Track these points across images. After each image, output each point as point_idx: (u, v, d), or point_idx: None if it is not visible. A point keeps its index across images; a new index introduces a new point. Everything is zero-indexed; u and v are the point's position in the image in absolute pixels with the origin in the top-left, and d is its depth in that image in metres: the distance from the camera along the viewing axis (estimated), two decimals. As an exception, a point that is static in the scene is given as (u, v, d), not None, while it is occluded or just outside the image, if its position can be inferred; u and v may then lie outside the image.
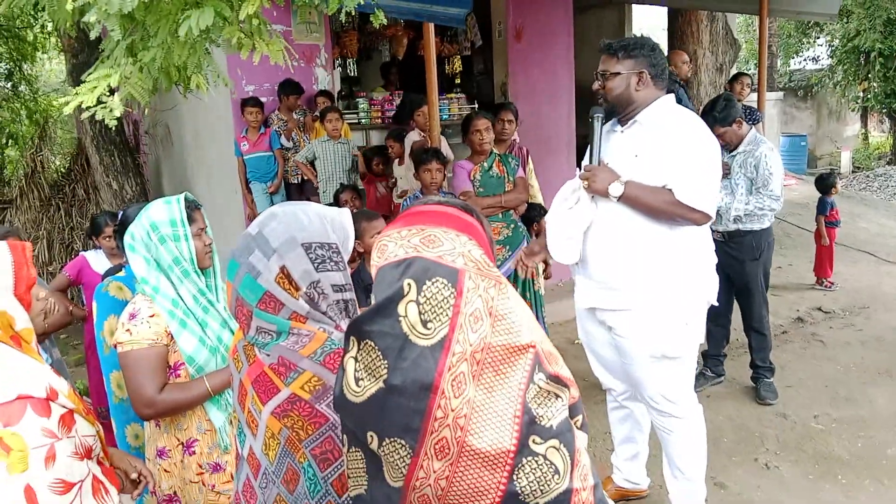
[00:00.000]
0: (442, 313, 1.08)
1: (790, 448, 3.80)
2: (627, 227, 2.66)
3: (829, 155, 18.01)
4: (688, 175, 2.57)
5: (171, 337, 2.11)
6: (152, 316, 2.10)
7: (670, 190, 2.59)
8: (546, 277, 4.21)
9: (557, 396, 1.13)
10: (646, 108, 2.69)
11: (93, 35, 2.04)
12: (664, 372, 2.75)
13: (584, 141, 7.88)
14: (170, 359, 2.13)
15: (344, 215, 1.61)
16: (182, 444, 2.18)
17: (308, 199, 6.26)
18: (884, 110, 16.44)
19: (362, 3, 2.17)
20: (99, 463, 1.75)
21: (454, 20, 3.73)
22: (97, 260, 4.04)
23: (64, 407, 1.63)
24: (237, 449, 1.62)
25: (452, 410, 1.07)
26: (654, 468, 3.34)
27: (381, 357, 1.09)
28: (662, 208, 2.60)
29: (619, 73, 2.67)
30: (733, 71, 9.20)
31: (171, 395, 2.09)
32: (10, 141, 9.64)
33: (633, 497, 3.26)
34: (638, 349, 2.74)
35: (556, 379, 1.14)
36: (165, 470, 2.19)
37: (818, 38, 17.90)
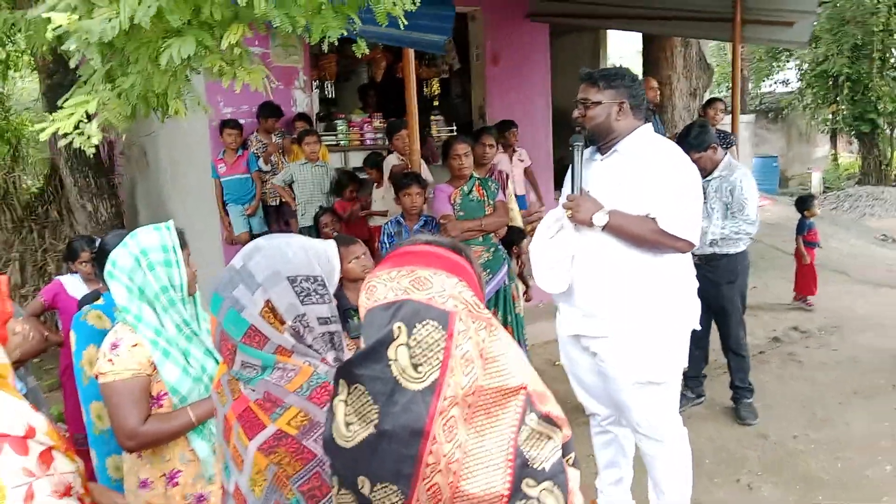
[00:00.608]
0: (433, 356, 1.07)
1: (771, 469, 3.82)
2: (610, 255, 2.67)
3: (799, 176, 18.36)
4: (670, 204, 2.60)
5: (154, 367, 2.08)
6: (135, 345, 2.07)
7: (654, 219, 2.61)
8: (527, 300, 4.22)
9: (550, 438, 1.12)
10: (626, 138, 2.72)
11: (72, 63, 2.02)
12: (650, 397, 2.76)
13: (560, 164, 7.98)
14: (152, 389, 2.10)
15: (329, 247, 1.60)
16: (165, 475, 2.15)
17: (286, 222, 6.24)
18: (852, 133, 16.80)
19: (345, 33, 2.17)
20: (80, 500, 1.71)
21: (434, 46, 3.75)
22: (73, 284, 3.97)
23: (42, 444, 1.60)
24: (223, 484, 1.59)
25: (444, 455, 1.05)
26: (638, 490, 3.33)
27: (371, 402, 1.07)
28: (647, 237, 2.62)
29: (600, 103, 2.69)
30: (707, 95, 9.36)
31: (155, 426, 2.06)
32: (-19, 160, 9.48)
33: (617, 522, 3.25)
34: (623, 375, 2.74)
35: (547, 419, 1.13)
36: (148, 502, 2.15)
37: (788, 61, 18.30)
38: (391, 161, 5.60)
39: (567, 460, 1.18)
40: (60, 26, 1.84)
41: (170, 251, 2.10)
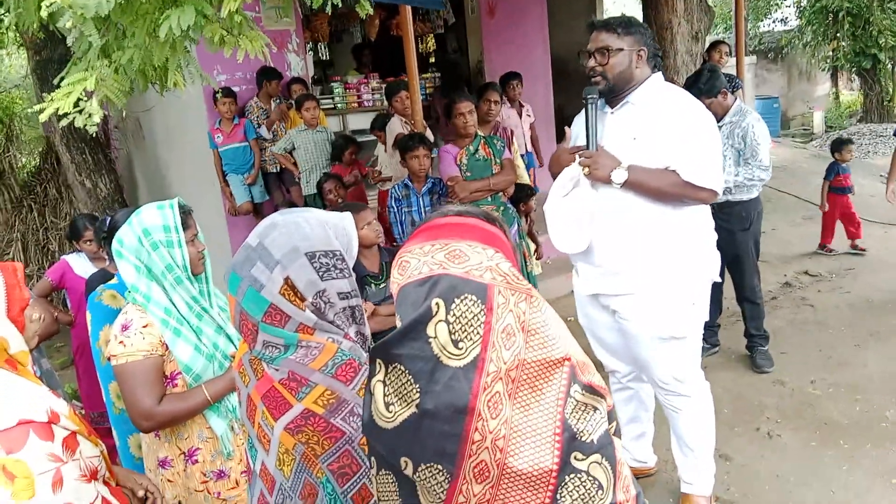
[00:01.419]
0: (473, 332, 1.03)
1: (790, 416, 3.83)
2: (629, 211, 2.61)
3: (801, 116, 18.17)
4: (691, 154, 2.53)
5: (166, 347, 2.05)
6: (146, 326, 2.04)
7: (674, 171, 2.54)
8: (537, 258, 4.17)
9: (595, 409, 1.08)
10: (638, 89, 2.64)
11: (69, 41, 1.94)
12: (672, 352, 2.73)
13: (561, 113, 7.87)
14: (166, 368, 2.08)
15: (346, 220, 1.56)
16: (184, 453, 2.15)
17: (288, 190, 6.17)
18: (853, 69, 16.55)
19: (348, -8, 2.09)
20: (105, 483, 1.72)
21: (433, 2, 3.64)
22: (79, 263, 3.94)
23: (66, 429, 1.60)
24: (248, 464, 1.57)
25: (490, 432, 1.02)
26: (659, 445, 3.34)
27: (411, 381, 1.03)
28: (669, 190, 2.56)
29: (622, 49, 2.59)
30: (709, 38, 9.16)
31: (170, 405, 2.05)
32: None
33: (641, 475, 3.26)
34: (645, 331, 2.71)
35: (591, 389, 1.09)
36: (169, 480, 2.17)
37: (786, -1, 17.96)
38: (394, 126, 5.49)
39: (610, 429, 1.15)
40: (54, 3, 1.76)
41: (171, 231, 2.06)
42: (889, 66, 15.98)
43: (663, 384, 2.81)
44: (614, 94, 2.67)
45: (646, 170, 2.56)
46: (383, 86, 7.03)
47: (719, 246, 4.17)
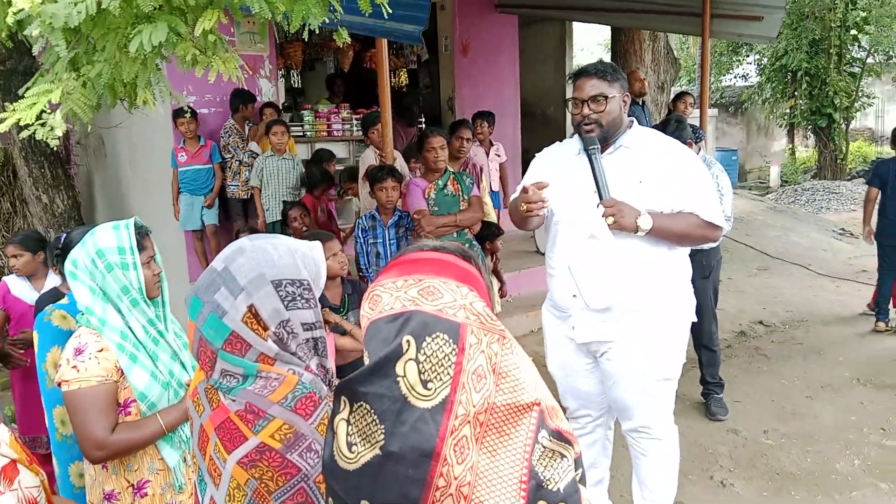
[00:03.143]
0: (443, 372, 1.00)
1: (743, 465, 3.85)
2: (635, 257, 2.58)
3: (758, 169, 18.74)
4: (705, 195, 2.58)
5: (122, 372, 1.97)
6: (101, 350, 1.96)
7: (691, 213, 2.57)
8: (501, 296, 4.16)
9: (563, 456, 1.06)
10: (628, 132, 2.66)
11: (35, 50, 1.89)
12: (659, 395, 2.74)
13: (527, 155, 7.95)
14: (119, 396, 1.99)
15: (316, 250, 1.52)
16: (132, 485, 2.05)
17: (253, 217, 6.09)
18: (809, 127, 17.17)
19: (327, 20, 2.07)
20: None
21: (409, 37, 3.66)
22: (16, 284, 3.77)
23: (6, 457, 1.52)
24: (197, 498, 1.51)
25: (455, 478, 0.98)
26: (613, 491, 3.33)
27: (377, 421, 0.99)
28: (693, 232, 2.58)
29: (614, 97, 2.59)
30: (674, 89, 9.42)
31: (124, 435, 1.96)
32: (-72, 149, 9.08)
33: (595, 522, 3.23)
34: (638, 374, 2.69)
35: (559, 435, 1.07)
36: (115, 515, 2.05)
37: (748, 55, 18.60)
38: (368, 157, 5.47)
39: (576, 477, 1.13)
40: (22, 10, 1.71)
41: (126, 253, 1.99)
42: (843, 125, 16.62)
43: (642, 427, 2.80)
44: (605, 141, 2.65)
45: (666, 215, 2.55)
46: (353, 117, 7.04)
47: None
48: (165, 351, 2.08)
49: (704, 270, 4.31)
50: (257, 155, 5.99)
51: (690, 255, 4.14)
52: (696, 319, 2.85)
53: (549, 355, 2.96)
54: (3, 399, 4.70)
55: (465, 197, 4.22)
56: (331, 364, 1.52)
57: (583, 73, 2.65)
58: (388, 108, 4.26)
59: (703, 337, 4.47)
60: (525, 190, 2.61)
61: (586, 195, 2.60)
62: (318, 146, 6.87)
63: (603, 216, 2.51)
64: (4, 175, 7.17)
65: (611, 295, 2.58)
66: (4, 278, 3.86)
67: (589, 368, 2.84)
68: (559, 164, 2.78)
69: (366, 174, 4.63)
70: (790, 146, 19.62)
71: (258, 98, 6.31)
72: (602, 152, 2.64)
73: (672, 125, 4.17)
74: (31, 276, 3.74)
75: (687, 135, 4.17)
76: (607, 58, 9.88)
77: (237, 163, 6.07)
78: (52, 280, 3.74)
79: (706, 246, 4.23)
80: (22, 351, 3.52)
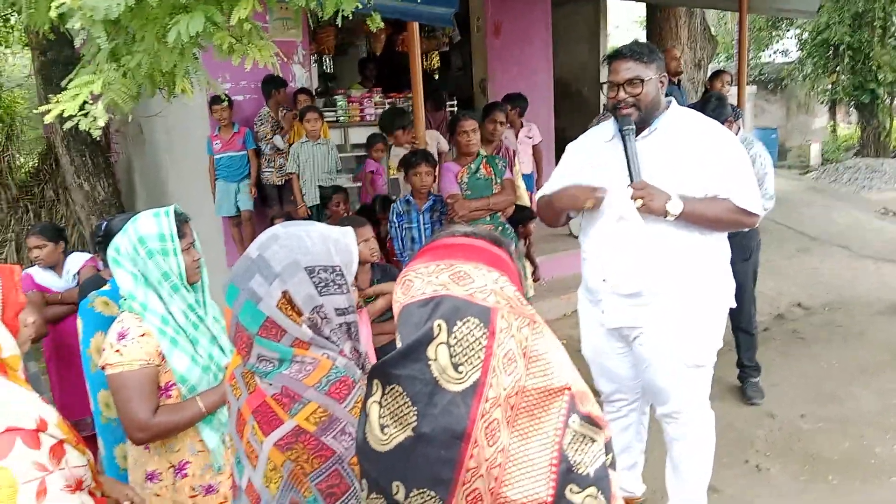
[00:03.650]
0: (474, 356, 1.02)
1: (779, 449, 3.81)
2: (665, 241, 2.55)
3: (798, 147, 18.30)
4: (742, 181, 2.53)
5: (163, 356, 2.02)
6: (143, 335, 2.01)
7: (725, 199, 2.53)
8: (535, 280, 4.17)
9: (593, 440, 1.07)
10: (665, 114, 2.61)
11: (77, 42, 1.94)
12: (693, 380, 2.72)
13: (562, 135, 7.90)
14: (160, 379, 2.05)
15: (348, 236, 1.54)
16: (174, 466, 2.10)
17: (289, 202, 6.16)
18: (852, 103, 16.70)
19: (360, 6, 2.09)
20: (90, 493, 1.69)
21: (440, 19, 3.66)
22: (42, 275, 3.87)
23: (54, 437, 1.58)
24: (234, 480, 1.55)
25: (486, 460, 1.01)
26: (647, 475, 3.32)
27: (409, 403, 1.02)
28: (725, 218, 2.54)
29: (651, 79, 2.53)
30: (711, 66, 9.25)
31: (165, 417, 2.01)
32: (-27, 140, 9.35)
33: (628, 504, 3.24)
34: (670, 360, 2.67)
35: (590, 420, 1.08)
36: (156, 494, 2.11)
37: (788, 31, 18.11)
38: (398, 154, 5.49)
39: (606, 462, 1.14)
40: (64, 3, 1.76)
41: (167, 240, 2.03)
42: (887, 101, 16.14)
43: (676, 413, 2.78)
44: (641, 123, 2.60)
45: (698, 200, 2.51)
46: (386, 101, 7.05)
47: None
48: (205, 335, 2.13)
49: (745, 252, 4.25)
50: (279, 150, 6.06)
51: (731, 238, 4.12)
52: (734, 305, 2.80)
53: (583, 339, 2.96)
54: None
55: (498, 180, 4.21)
56: (364, 347, 1.54)
57: (618, 55, 2.59)
58: (419, 92, 4.27)
59: (741, 320, 4.41)
60: (591, 189, 2.58)
61: (618, 178, 2.57)
62: (351, 131, 6.91)
63: (632, 198, 2.48)
64: (47, 164, 7.37)
65: (639, 280, 2.56)
66: (27, 270, 3.94)
67: (622, 352, 2.83)
68: (591, 150, 2.75)
69: (400, 161, 4.64)
70: (831, 123, 19.12)
71: (291, 84, 6.35)
72: (637, 135, 2.59)
73: (713, 103, 4.09)
74: (53, 266, 3.83)
75: (727, 113, 4.10)
76: (643, 36, 9.72)
77: (270, 149, 6.15)
78: (69, 267, 3.84)
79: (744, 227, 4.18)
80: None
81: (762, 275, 6.96)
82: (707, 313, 2.67)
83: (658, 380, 2.75)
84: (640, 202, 2.47)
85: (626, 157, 2.55)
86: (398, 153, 5.40)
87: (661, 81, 2.59)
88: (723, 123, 4.03)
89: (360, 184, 6.25)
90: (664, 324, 2.63)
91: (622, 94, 2.55)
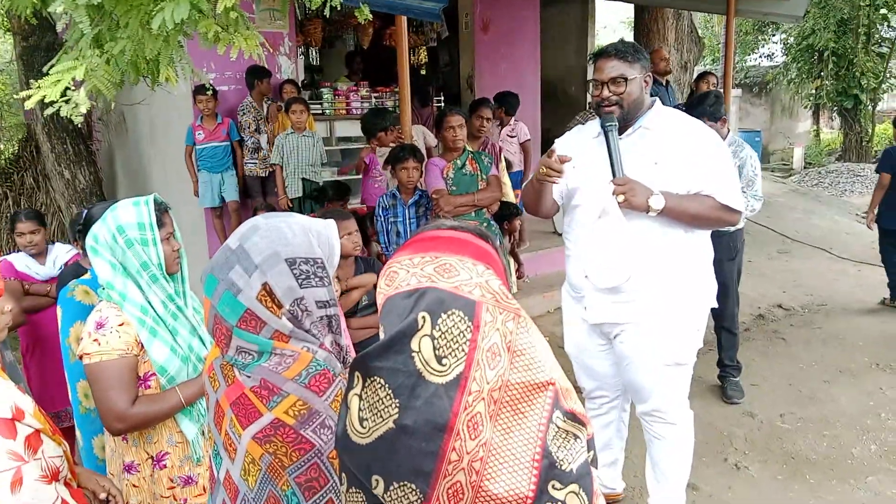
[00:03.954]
0: (458, 348, 1.01)
1: (758, 448, 3.84)
2: (647, 238, 2.57)
3: (781, 151, 18.47)
4: (725, 178, 2.55)
5: (142, 346, 2.00)
6: (121, 325, 1.99)
7: (708, 195, 2.54)
8: (518, 277, 4.17)
9: (576, 437, 1.07)
10: (648, 113, 2.62)
11: (59, 27, 1.91)
12: (672, 379, 2.73)
13: (547, 135, 7.91)
14: (139, 369, 2.02)
15: (330, 228, 1.53)
16: (152, 457, 2.09)
17: (272, 194, 6.12)
18: (835, 108, 16.87)
19: (347, -2, 2.07)
20: (66, 484, 1.67)
21: (429, 14, 3.64)
22: (22, 262, 3.81)
23: (30, 427, 1.56)
24: (213, 472, 1.53)
25: (468, 453, 1.00)
26: (627, 472, 3.34)
27: (391, 395, 1.01)
28: (708, 215, 2.55)
29: (635, 78, 2.55)
30: (697, 68, 9.30)
31: (144, 407, 1.99)
32: (-47, 124, 9.22)
33: (609, 501, 3.24)
34: (651, 358, 2.68)
35: (573, 416, 1.07)
36: (134, 485, 2.10)
37: (773, 35, 18.27)
38: (383, 153, 5.47)
39: (588, 459, 1.14)
40: (46, -14, 1.72)
41: (146, 229, 2.00)
42: (869, 107, 16.32)
43: (655, 411, 2.79)
44: (625, 122, 2.63)
45: (680, 196, 2.52)
46: (372, 95, 7.03)
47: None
48: (184, 326, 2.11)
49: (731, 252, 4.28)
50: (259, 148, 6.03)
51: (717, 237, 4.14)
52: (716, 305, 2.82)
53: (566, 335, 2.97)
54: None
55: (484, 176, 4.21)
56: (345, 341, 1.53)
57: (603, 53, 2.61)
58: (407, 86, 4.25)
59: (724, 319, 4.45)
60: (548, 156, 2.59)
61: (601, 174, 2.58)
62: (336, 124, 6.87)
63: (613, 194, 2.50)
64: (27, 151, 7.28)
65: (618, 275, 2.57)
66: (6, 258, 3.85)
67: (603, 350, 2.85)
68: (577, 147, 2.75)
69: (387, 158, 4.62)
70: (815, 128, 19.31)
71: (277, 75, 6.31)
72: (622, 133, 2.62)
73: (711, 99, 4.10)
74: (38, 254, 3.78)
75: (724, 111, 4.13)
76: (630, 36, 9.74)
77: (252, 142, 6.11)
78: (55, 256, 3.78)
79: (732, 227, 4.19)
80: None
81: (744, 276, 7.01)
82: (688, 312, 2.69)
83: (638, 378, 2.76)
84: (621, 197, 2.48)
85: (609, 154, 2.56)
86: (384, 152, 5.38)
87: (646, 81, 2.60)
88: (717, 121, 4.07)
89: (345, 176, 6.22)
90: (645, 321, 2.64)
91: (606, 93, 2.57)
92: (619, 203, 2.49)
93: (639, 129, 2.62)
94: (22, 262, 3.77)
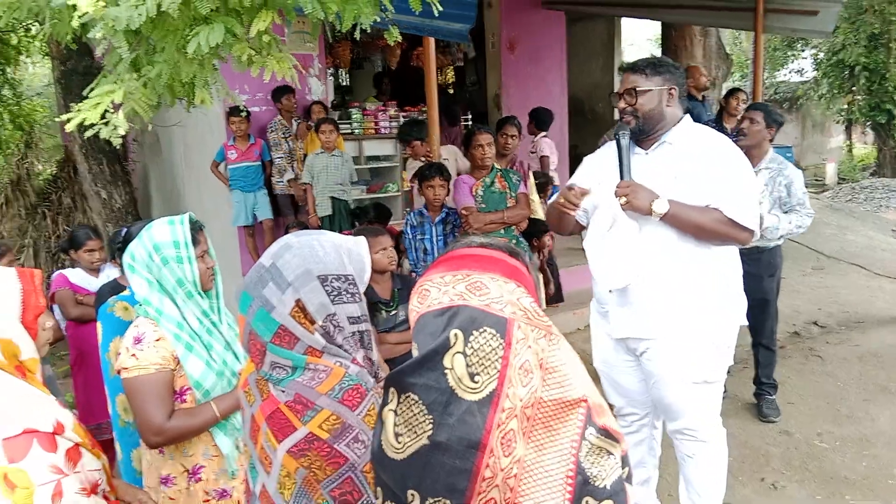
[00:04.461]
0: (490, 366, 1.02)
1: (795, 467, 3.77)
2: (666, 251, 2.57)
3: (814, 166, 18.20)
4: (736, 193, 2.52)
5: (178, 361, 2.04)
6: (158, 340, 2.03)
7: (716, 208, 2.53)
8: (548, 294, 4.16)
9: (610, 453, 1.07)
10: (674, 128, 2.64)
11: (98, 52, 1.97)
12: (700, 397, 2.70)
13: (575, 152, 7.91)
14: (175, 383, 2.06)
15: (361, 245, 1.55)
16: (188, 470, 2.11)
17: (303, 212, 6.20)
18: (868, 123, 16.62)
19: (378, 20, 2.11)
20: (105, 497, 1.70)
21: (457, 35, 3.68)
22: (77, 276, 3.92)
23: (70, 441, 1.59)
24: (248, 485, 1.55)
25: (501, 470, 1.00)
26: (661, 491, 3.29)
27: (424, 412, 1.02)
28: (711, 227, 2.53)
29: (650, 90, 2.60)
30: (725, 85, 9.24)
31: (180, 421, 2.02)
32: (-6, 145, 9.48)
33: (641, 521, 3.20)
34: (675, 376, 2.66)
35: (606, 433, 1.07)
36: (170, 498, 2.12)
37: (803, 50, 18.09)
38: (413, 167, 5.53)
39: (622, 475, 1.13)
40: (86, 14, 1.78)
41: (181, 247, 2.05)
42: (904, 121, 16.05)
43: (686, 429, 2.76)
44: (647, 135, 2.66)
45: (687, 205, 2.52)
46: (401, 114, 7.10)
47: (745, 292, 4.18)
48: (219, 341, 2.14)
49: (771, 268, 4.22)
50: (291, 155, 6.10)
51: (757, 253, 4.11)
52: (746, 322, 2.78)
53: (594, 351, 2.97)
54: (63, 387, 4.87)
55: (513, 193, 4.22)
56: (377, 356, 1.55)
57: (624, 67, 2.73)
58: (435, 107, 4.29)
59: (763, 336, 4.37)
60: (568, 188, 2.64)
61: (612, 179, 2.64)
62: (365, 144, 6.95)
63: (616, 196, 2.54)
64: (65, 171, 7.46)
65: (623, 276, 2.57)
66: (62, 272, 4.00)
67: (631, 366, 2.82)
68: (602, 160, 2.79)
69: (415, 174, 4.67)
70: (847, 143, 19.03)
71: (308, 97, 6.41)
72: (648, 148, 2.67)
73: (771, 106, 4.12)
74: (93, 268, 3.90)
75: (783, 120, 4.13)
76: (657, 54, 9.72)
77: (280, 159, 6.21)
78: (106, 272, 3.89)
79: (771, 243, 4.15)
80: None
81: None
82: (714, 328, 2.65)
83: (666, 396, 2.73)
84: (623, 199, 2.53)
85: (619, 159, 2.63)
86: (414, 165, 5.43)
87: (671, 94, 2.62)
88: (780, 127, 4.10)
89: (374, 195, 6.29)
90: (670, 337, 2.62)
91: (622, 104, 2.66)
92: (621, 205, 2.53)
93: (663, 144, 2.64)
94: (77, 276, 3.91)
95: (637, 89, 2.60)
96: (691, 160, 2.56)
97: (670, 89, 2.62)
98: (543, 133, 6.47)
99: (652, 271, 2.59)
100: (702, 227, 2.53)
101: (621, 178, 2.61)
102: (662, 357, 2.66)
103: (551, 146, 6.52)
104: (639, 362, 2.78)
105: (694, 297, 2.59)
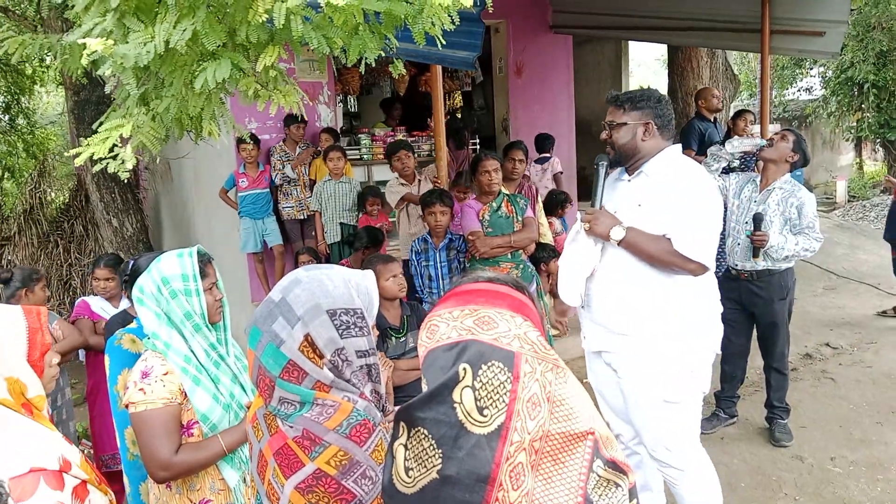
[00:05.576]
0: (498, 399, 1.02)
1: (809, 493, 3.72)
2: (632, 273, 2.68)
3: (824, 184, 18.12)
4: (687, 226, 2.59)
5: (185, 395, 2.04)
6: (166, 374, 2.03)
7: (668, 239, 2.61)
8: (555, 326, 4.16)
9: (617, 485, 1.07)
10: (652, 159, 2.73)
11: (108, 88, 2.00)
12: (664, 419, 2.72)
13: (583, 173, 7.92)
14: (182, 417, 2.06)
15: (368, 279, 1.56)
16: (194, 504, 2.10)
17: (310, 237, 6.23)
18: (878, 140, 16.56)
19: (382, 53, 2.13)
20: None
21: (463, 63, 3.72)
22: (98, 304, 3.96)
23: (77, 478, 1.58)
24: (257, 520, 1.55)
25: (511, 503, 1.00)
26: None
27: (434, 446, 1.03)
28: (660, 256, 2.63)
29: (625, 124, 2.73)
30: (733, 105, 9.26)
31: (187, 455, 2.01)
32: (8, 174, 9.61)
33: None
34: (639, 393, 2.73)
35: (614, 465, 1.07)
36: (177, 532, 2.11)
37: (811, 68, 18.09)
38: (392, 184, 5.57)
39: (632, 506, 1.13)
40: (96, 52, 1.81)
41: (190, 280, 2.06)
42: (914, 138, 15.97)
43: (653, 452, 2.80)
44: (628, 164, 2.80)
45: (643, 233, 2.65)
46: (409, 139, 7.14)
47: (753, 314, 4.16)
48: (226, 374, 2.14)
49: (782, 291, 4.18)
50: (290, 179, 6.17)
51: (768, 276, 4.08)
52: (719, 352, 2.85)
53: (587, 364, 3.06)
54: (77, 415, 4.88)
55: (519, 218, 4.24)
56: (383, 389, 1.55)
57: (608, 100, 2.86)
58: (442, 133, 4.33)
59: (774, 359, 4.32)
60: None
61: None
62: (374, 169, 6.99)
63: (581, 221, 2.72)
64: (77, 200, 7.53)
65: (575, 294, 2.76)
66: (84, 298, 4.05)
67: (613, 382, 2.89)
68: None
69: (420, 199, 4.70)
70: (857, 160, 18.95)
71: (318, 124, 6.47)
72: (631, 175, 2.81)
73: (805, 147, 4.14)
74: (112, 297, 3.94)
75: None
76: (664, 74, 9.76)
77: (280, 178, 6.26)
78: (126, 301, 3.92)
79: (782, 266, 4.12)
80: None
81: (789, 314, 6.87)
82: (678, 351, 2.69)
83: (635, 417, 2.82)
84: (587, 225, 2.71)
85: (594, 186, 2.81)
86: (397, 188, 5.50)
87: (647, 127, 2.72)
88: (804, 161, 4.16)
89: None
90: (633, 356, 2.71)
91: (603, 134, 2.83)
92: (585, 230, 2.71)
93: (640, 174, 2.77)
94: (97, 304, 3.95)
95: (614, 122, 2.76)
96: (657, 190, 2.68)
97: (646, 123, 2.71)
98: (546, 154, 6.55)
99: (615, 293, 2.74)
100: (652, 256, 2.65)
101: (592, 205, 2.78)
102: (628, 373, 2.76)
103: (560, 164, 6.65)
104: (618, 379, 2.83)
105: (655, 322, 2.67)
